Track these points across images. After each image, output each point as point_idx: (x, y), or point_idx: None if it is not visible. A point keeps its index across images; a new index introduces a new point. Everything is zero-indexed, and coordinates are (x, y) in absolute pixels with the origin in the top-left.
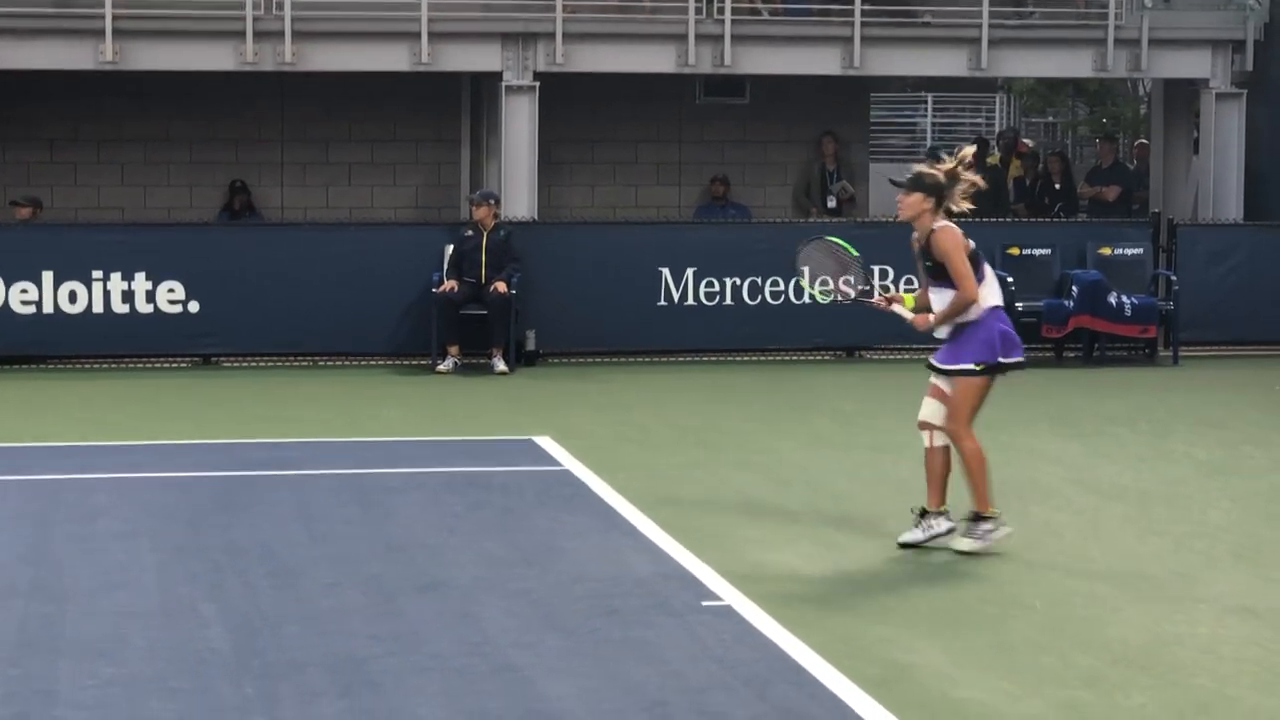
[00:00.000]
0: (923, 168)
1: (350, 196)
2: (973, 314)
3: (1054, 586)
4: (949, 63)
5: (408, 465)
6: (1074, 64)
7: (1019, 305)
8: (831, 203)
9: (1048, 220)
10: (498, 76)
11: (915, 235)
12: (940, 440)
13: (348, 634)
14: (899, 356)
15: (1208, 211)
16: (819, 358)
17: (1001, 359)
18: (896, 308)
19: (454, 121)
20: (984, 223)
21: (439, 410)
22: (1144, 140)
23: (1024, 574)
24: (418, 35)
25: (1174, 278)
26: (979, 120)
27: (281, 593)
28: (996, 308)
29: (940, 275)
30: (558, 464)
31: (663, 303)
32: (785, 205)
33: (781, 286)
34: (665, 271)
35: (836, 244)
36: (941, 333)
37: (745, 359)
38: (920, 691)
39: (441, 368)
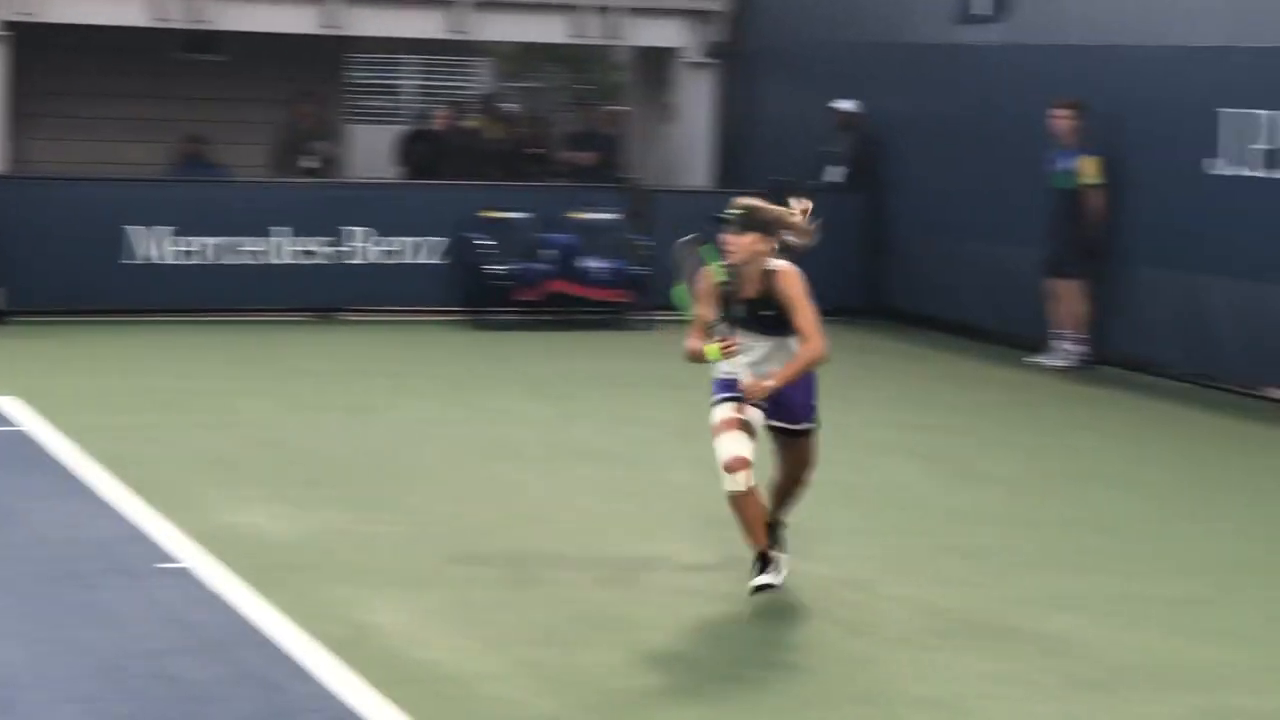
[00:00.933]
0: (752, 201)
1: None
2: None
3: (519, 546)
4: (428, 24)
5: None
6: (552, 30)
7: (493, 269)
8: (309, 163)
9: (524, 184)
10: None
11: (722, 279)
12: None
13: None
14: (374, 319)
15: (680, 178)
16: (294, 319)
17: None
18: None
19: None
20: (461, 186)
21: None
22: (620, 107)
23: (486, 534)
24: None
25: (646, 242)
26: (460, 84)
27: None
28: None
29: (775, 325)
30: (17, 425)
31: (137, 261)
32: (262, 165)
33: (258, 247)
34: (138, 229)
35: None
36: (748, 375)
37: (220, 319)
38: (383, 651)
39: None
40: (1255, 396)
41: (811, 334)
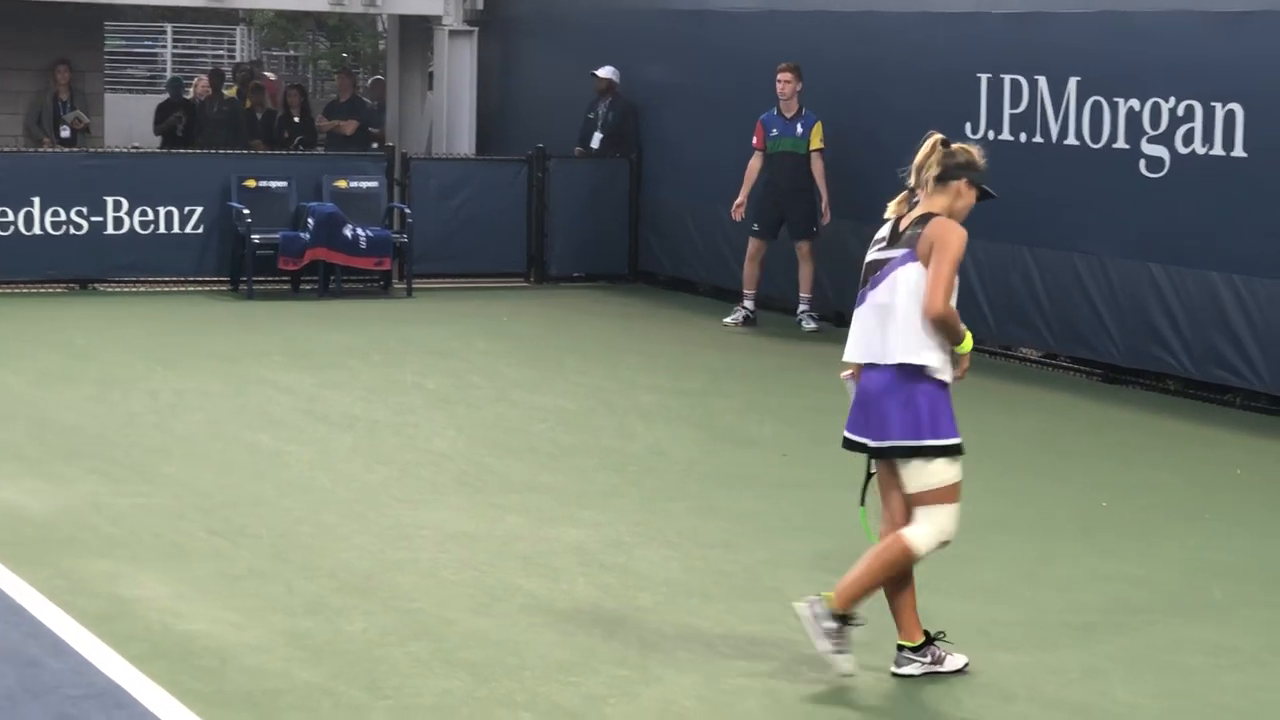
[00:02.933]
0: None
1: None
2: None
3: (281, 516)
4: None
5: None
6: None
7: (255, 238)
8: (65, 132)
9: (285, 153)
10: None
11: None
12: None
13: None
14: (133, 290)
15: (441, 146)
16: (50, 290)
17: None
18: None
19: None
20: (221, 154)
21: None
22: (380, 76)
23: (247, 504)
24: None
25: (408, 211)
26: (220, 52)
27: None
28: None
29: None
30: None
31: None
32: (17, 134)
33: (10, 216)
34: None
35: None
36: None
37: None
38: (143, 625)
39: None
40: (1012, 356)
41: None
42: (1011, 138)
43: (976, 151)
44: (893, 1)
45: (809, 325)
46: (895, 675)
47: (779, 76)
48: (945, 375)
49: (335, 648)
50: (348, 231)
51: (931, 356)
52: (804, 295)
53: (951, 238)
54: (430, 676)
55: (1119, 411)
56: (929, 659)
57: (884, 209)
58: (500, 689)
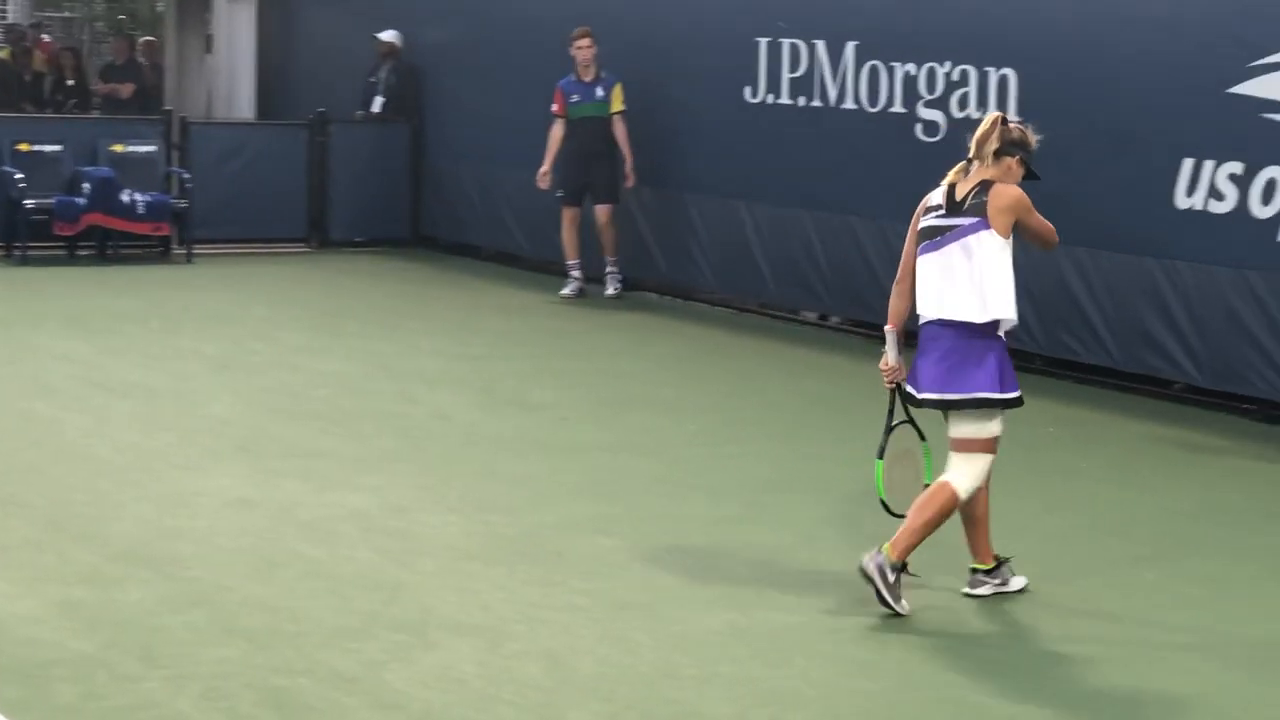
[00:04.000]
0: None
1: None
2: None
3: (56, 484)
4: None
5: None
6: None
7: (29, 203)
8: None
9: (59, 116)
10: None
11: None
12: None
13: None
14: None
15: (221, 110)
16: None
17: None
18: None
19: None
20: None
21: None
22: (155, 38)
23: (22, 473)
24: None
25: (186, 175)
26: None
27: None
28: None
29: None
30: None
31: None
32: None
33: None
34: None
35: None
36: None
37: None
38: None
39: None
40: (794, 320)
41: None
42: (790, 101)
43: (1029, 131)
44: None
45: (611, 290)
46: (968, 595)
47: (576, 42)
48: (1012, 321)
49: (110, 618)
50: (125, 197)
51: (1009, 312)
52: (609, 259)
53: (1018, 195)
54: (207, 645)
55: None
56: (998, 580)
57: (672, 171)
58: (278, 656)
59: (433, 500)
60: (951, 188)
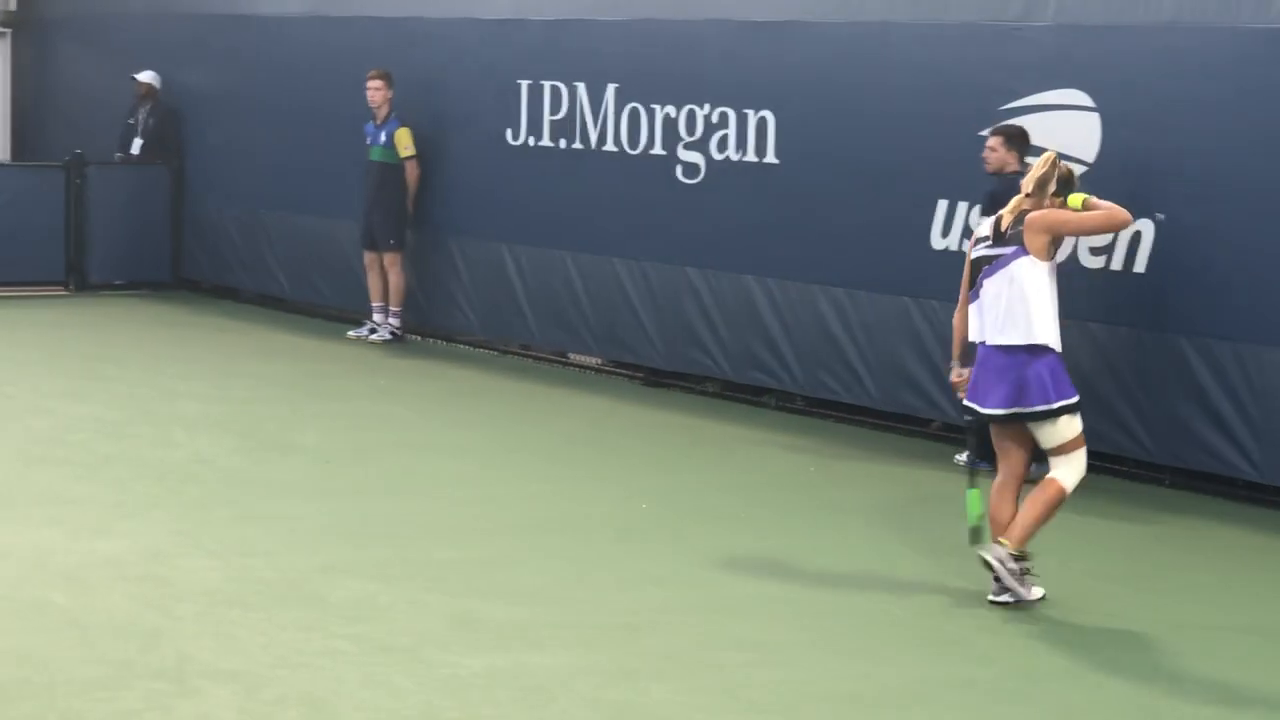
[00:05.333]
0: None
1: None
2: None
3: None
4: None
5: None
6: None
7: None
8: None
9: None
10: None
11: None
12: None
13: None
14: None
15: None
16: None
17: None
18: None
19: None
20: None
21: None
22: None
23: None
24: None
25: None
26: None
27: None
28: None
29: None
30: None
31: None
32: None
33: None
34: None
35: None
36: None
37: None
38: None
39: None
40: (561, 363)
41: None
42: (551, 144)
43: (1071, 170)
44: (436, 7)
45: (380, 335)
46: (985, 557)
47: (367, 84)
48: (1059, 347)
49: None
50: None
51: (1054, 335)
52: (376, 304)
53: (1043, 212)
54: None
55: (660, 414)
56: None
57: (435, 215)
58: (27, 709)
59: (191, 545)
60: (998, 219)
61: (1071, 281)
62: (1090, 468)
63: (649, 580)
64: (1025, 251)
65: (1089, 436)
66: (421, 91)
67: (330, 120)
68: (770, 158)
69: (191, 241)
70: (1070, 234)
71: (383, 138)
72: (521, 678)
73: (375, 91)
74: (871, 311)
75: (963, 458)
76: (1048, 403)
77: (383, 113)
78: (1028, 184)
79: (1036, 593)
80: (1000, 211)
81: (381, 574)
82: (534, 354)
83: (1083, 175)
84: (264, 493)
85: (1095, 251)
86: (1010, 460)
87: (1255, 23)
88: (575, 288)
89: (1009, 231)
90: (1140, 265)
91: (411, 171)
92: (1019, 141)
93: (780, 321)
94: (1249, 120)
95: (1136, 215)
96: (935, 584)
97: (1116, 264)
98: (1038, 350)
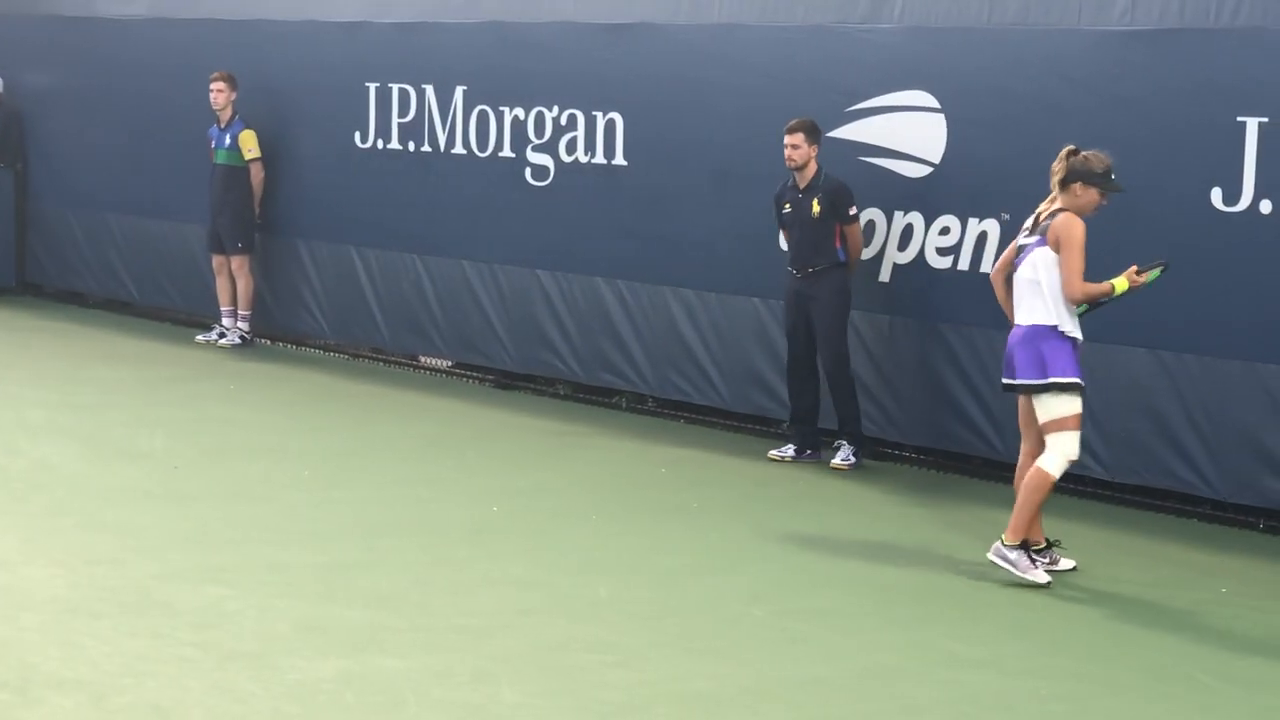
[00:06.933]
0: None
1: None
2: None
3: None
4: None
5: None
6: None
7: None
8: None
9: None
10: None
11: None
12: None
13: None
14: None
15: None
16: None
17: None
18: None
19: None
20: None
21: None
22: None
23: None
24: None
25: None
26: None
27: None
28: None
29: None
30: None
31: None
32: None
33: None
34: None
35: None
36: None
37: None
38: None
39: None
40: (412, 366)
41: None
42: (400, 146)
43: (1095, 157)
44: (280, 9)
45: (230, 340)
46: (990, 559)
47: (210, 86)
48: (1073, 331)
49: None
50: None
51: (1058, 317)
52: (225, 309)
53: (1073, 232)
54: None
55: (511, 416)
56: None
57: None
58: None
59: (35, 553)
60: (1038, 214)
61: (912, 280)
62: (921, 463)
63: (500, 582)
64: (1045, 243)
65: (926, 431)
66: (269, 94)
67: (176, 122)
68: (619, 159)
69: (36, 244)
70: (1064, 264)
71: (227, 140)
72: (371, 681)
73: (218, 94)
74: (721, 313)
75: (778, 453)
76: (1035, 378)
77: (226, 115)
78: (1051, 183)
79: (1043, 577)
80: (1043, 206)
81: (229, 580)
82: (385, 357)
83: (928, 176)
84: (110, 499)
85: (942, 252)
86: (1029, 436)
87: (1098, 25)
88: (425, 291)
89: (1040, 224)
90: (986, 265)
91: (256, 174)
92: (817, 134)
93: (631, 323)
94: (1093, 121)
95: (983, 215)
96: (786, 583)
97: (963, 264)
98: (1044, 331)
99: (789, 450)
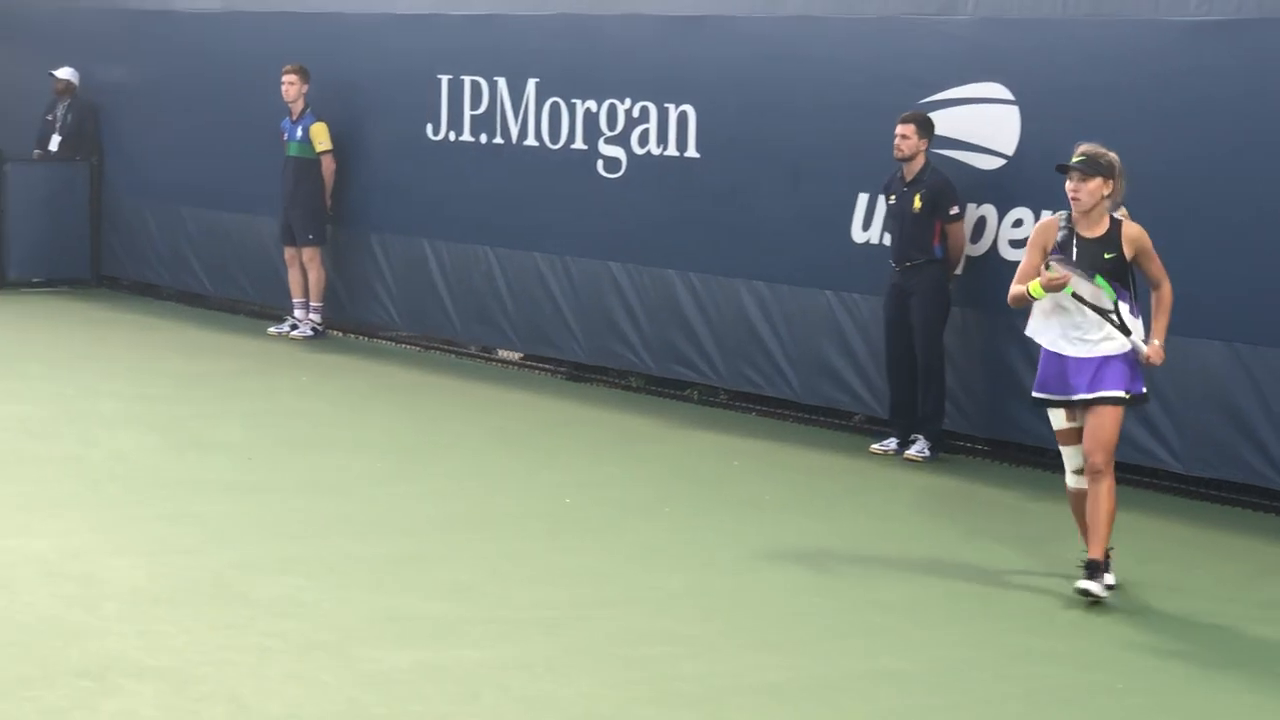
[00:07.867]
0: (1093, 147)
1: None
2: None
3: None
4: None
5: None
6: None
7: None
8: None
9: None
10: None
11: (1061, 226)
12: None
13: None
14: None
15: None
16: None
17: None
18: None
19: None
20: None
21: None
22: None
23: None
24: None
25: None
26: None
27: None
28: None
29: (1114, 268)
30: None
31: None
32: None
33: None
34: None
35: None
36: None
37: None
38: None
39: None
40: (484, 358)
41: (1163, 275)
42: (472, 138)
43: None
44: (353, 2)
45: (302, 331)
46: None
47: (282, 79)
48: (1039, 339)
49: None
50: None
51: (1034, 328)
52: (297, 300)
53: (1043, 224)
54: None
55: (583, 409)
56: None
57: (356, 210)
58: None
59: (115, 543)
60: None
61: (984, 273)
62: (993, 456)
63: (574, 574)
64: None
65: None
66: (341, 87)
67: (248, 115)
68: (691, 152)
69: (111, 238)
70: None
71: (299, 133)
72: (447, 672)
73: (290, 86)
74: (794, 305)
75: (880, 446)
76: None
77: (298, 108)
78: None
79: (1096, 589)
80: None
81: (306, 570)
82: (456, 349)
83: (1001, 168)
84: (186, 490)
85: (1015, 244)
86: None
87: (1174, 15)
88: (497, 283)
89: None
90: None
91: (328, 166)
92: (929, 128)
93: (703, 315)
94: (1167, 112)
95: (1056, 207)
96: (859, 576)
97: None
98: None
99: (891, 443)
